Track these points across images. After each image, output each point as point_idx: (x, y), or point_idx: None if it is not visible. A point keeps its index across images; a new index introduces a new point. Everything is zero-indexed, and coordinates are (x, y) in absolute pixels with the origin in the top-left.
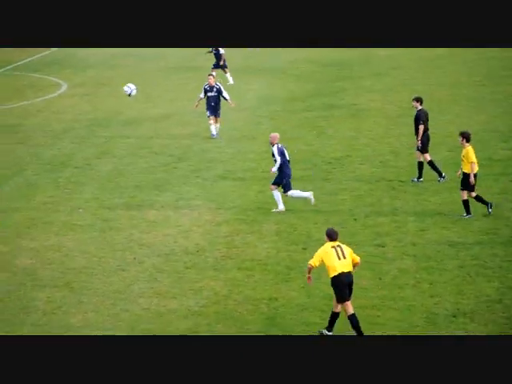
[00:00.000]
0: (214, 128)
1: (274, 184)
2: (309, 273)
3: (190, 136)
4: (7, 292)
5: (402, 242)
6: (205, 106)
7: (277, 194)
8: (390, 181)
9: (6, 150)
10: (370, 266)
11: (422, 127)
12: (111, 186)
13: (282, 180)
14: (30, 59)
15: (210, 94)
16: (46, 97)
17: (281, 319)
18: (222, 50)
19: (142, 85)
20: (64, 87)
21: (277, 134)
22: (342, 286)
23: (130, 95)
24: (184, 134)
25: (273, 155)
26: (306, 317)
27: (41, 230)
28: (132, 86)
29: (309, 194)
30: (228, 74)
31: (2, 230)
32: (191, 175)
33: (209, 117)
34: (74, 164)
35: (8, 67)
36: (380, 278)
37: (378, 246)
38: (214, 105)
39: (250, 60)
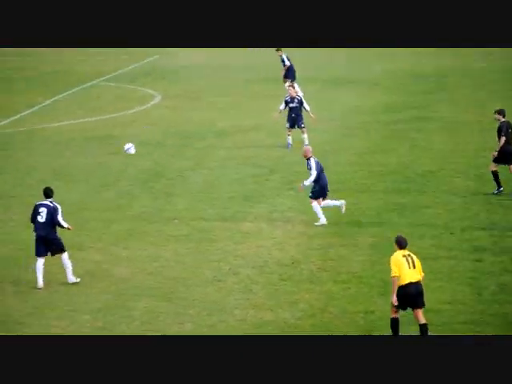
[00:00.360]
0: (290, 139)
1: (313, 198)
2: (395, 287)
3: (281, 147)
4: (105, 301)
5: (501, 257)
6: (286, 118)
7: (316, 206)
8: (486, 194)
9: (102, 160)
10: (468, 281)
11: (503, 139)
12: (204, 198)
13: (324, 191)
14: (123, 70)
15: (291, 105)
16: (140, 108)
17: (378, 333)
18: (286, 62)
19: (233, 96)
20: (157, 98)
21: (310, 147)
22: (407, 296)
23: (127, 151)
24: (275, 146)
25: (309, 168)
26: (403, 331)
27: (137, 239)
28: (129, 146)
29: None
30: (286, 85)
31: (100, 240)
32: (283, 187)
33: (288, 128)
34: (168, 175)
35: (102, 78)
36: (479, 294)
37: (476, 260)
38: (294, 116)
39: (341, 71)
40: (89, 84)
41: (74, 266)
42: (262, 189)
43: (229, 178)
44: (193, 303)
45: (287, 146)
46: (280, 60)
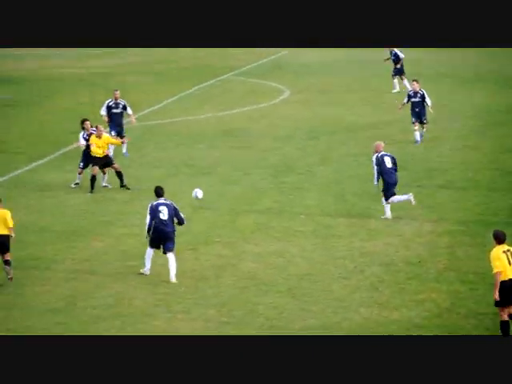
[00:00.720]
0: (418, 134)
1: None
2: (498, 283)
3: (412, 143)
4: (231, 296)
5: None
6: (410, 112)
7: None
8: None
9: (232, 154)
10: None
11: None
12: (332, 193)
13: (387, 188)
14: (253, 65)
15: (413, 99)
16: (270, 102)
17: None
18: (401, 55)
19: (361, 91)
20: (286, 93)
21: (380, 143)
22: (508, 291)
23: (197, 198)
24: (406, 142)
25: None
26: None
27: (264, 234)
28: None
29: (408, 196)
30: (405, 81)
31: (228, 234)
32: (412, 184)
33: (413, 123)
34: (297, 170)
35: (232, 73)
36: None
37: None
38: (417, 110)
39: (474, 69)
40: (219, 79)
41: (201, 259)
42: None
43: (357, 174)
44: (317, 300)
45: (415, 142)
46: (391, 55)
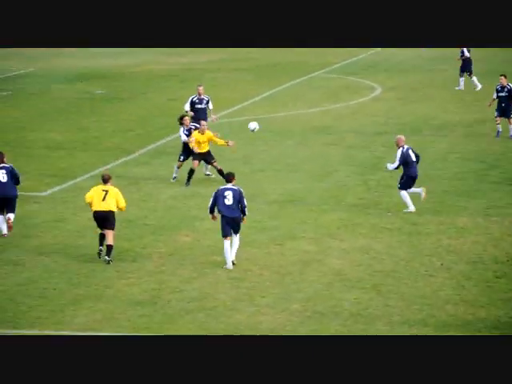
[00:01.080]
0: (499, 127)
1: (400, 188)
2: None
3: (505, 142)
4: (315, 291)
5: None
6: (495, 107)
7: (405, 195)
8: None
9: (320, 150)
10: None
11: None
12: None
13: (412, 182)
14: (345, 62)
15: (500, 94)
16: (360, 99)
17: None
18: (466, 53)
19: (453, 89)
20: (378, 90)
21: (402, 137)
22: None
23: (253, 130)
24: (497, 140)
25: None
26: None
27: (350, 231)
28: (254, 125)
29: (420, 190)
30: (462, 79)
31: (313, 230)
32: (503, 182)
33: (496, 117)
34: (384, 167)
35: (324, 70)
36: None
37: None
38: (503, 105)
39: None
40: (311, 76)
41: (287, 255)
42: (480, 184)
43: (448, 172)
44: (402, 297)
45: (496, 134)
46: (459, 51)
